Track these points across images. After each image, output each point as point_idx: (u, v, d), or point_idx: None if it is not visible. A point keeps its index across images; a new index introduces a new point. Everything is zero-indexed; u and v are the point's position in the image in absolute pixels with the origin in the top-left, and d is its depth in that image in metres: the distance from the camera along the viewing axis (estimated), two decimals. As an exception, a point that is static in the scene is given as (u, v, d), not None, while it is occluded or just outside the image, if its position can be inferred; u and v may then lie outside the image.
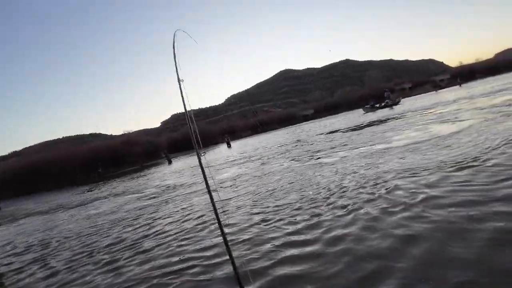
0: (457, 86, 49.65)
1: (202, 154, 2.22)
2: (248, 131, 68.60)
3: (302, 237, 3.47)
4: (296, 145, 16.08)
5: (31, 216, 12.46)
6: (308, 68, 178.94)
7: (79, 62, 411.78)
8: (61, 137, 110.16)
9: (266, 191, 6.29)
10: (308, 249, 3.15)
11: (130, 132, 58.42)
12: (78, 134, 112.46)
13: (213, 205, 1.12)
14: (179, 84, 1.64)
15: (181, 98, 2.06)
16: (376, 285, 2.30)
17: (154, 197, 9.48)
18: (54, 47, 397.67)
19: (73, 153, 32.27)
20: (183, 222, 5.47)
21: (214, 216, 1.70)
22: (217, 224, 1.71)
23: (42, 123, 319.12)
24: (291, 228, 3.81)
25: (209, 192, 1.32)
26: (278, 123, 73.46)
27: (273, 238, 3.63)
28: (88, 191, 18.18)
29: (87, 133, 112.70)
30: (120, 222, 6.84)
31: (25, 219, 11.98)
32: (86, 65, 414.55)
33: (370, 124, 17.27)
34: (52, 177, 26.94)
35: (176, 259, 3.73)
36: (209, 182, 1.98)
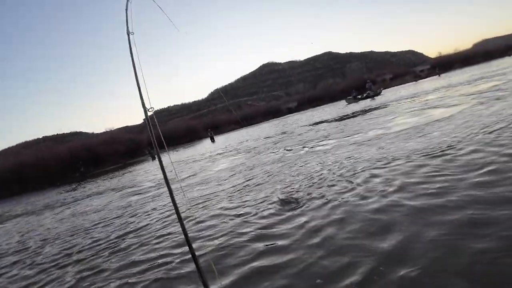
0: (436, 76, 50.83)
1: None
2: (232, 125, 68.36)
3: (275, 231, 3.48)
4: (282, 137, 16.11)
5: (14, 218, 12.12)
6: (291, 61, 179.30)
7: (57, 58, 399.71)
8: (40, 137, 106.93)
9: (244, 184, 6.28)
10: (281, 242, 3.15)
11: (112, 129, 57.41)
12: (58, 133, 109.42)
13: (173, 201, 1.09)
14: (128, 39, 1.37)
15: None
16: (350, 275, 2.31)
17: (137, 194, 9.35)
18: (29, 39, 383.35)
19: (53, 153, 31.42)
20: (159, 219, 5.40)
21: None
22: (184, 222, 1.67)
23: (20, 123, 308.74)
24: (264, 222, 3.81)
25: (169, 189, 1.29)
26: (263, 117, 73.55)
27: (244, 233, 3.62)
28: (70, 191, 17.78)
29: (67, 131, 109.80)
30: (102, 221, 6.71)
31: (8, 221, 11.64)
32: (64, 60, 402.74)
33: (355, 115, 17.49)
34: (33, 178, 26.20)
35: (153, 255, 3.70)
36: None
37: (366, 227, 2.98)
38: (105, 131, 54.49)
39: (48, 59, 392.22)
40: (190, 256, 3.17)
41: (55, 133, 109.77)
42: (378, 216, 3.16)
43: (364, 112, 17.85)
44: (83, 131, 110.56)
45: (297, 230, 3.33)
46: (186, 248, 3.53)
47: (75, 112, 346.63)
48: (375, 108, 17.98)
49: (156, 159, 21.72)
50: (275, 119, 62.20)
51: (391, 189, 3.79)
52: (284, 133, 18.82)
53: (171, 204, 6.18)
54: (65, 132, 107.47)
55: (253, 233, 3.56)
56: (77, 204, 11.06)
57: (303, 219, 3.59)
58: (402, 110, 12.84)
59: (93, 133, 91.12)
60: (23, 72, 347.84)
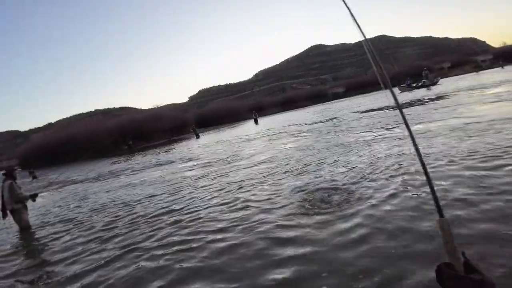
0: (499, 68, 45.86)
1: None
2: (276, 108, 67.58)
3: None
4: (333, 125, 15.29)
5: (68, 185, 12.70)
6: (340, 44, 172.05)
7: (110, 36, 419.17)
8: (92, 110, 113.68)
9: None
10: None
11: (159, 106, 59.15)
12: (108, 107, 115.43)
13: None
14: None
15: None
16: None
17: (189, 170, 9.17)
18: (86, 18, 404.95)
19: (104, 126, 32.94)
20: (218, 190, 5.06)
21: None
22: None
23: (73, 96, 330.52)
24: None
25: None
26: (307, 101, 71.84)
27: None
28: (120, 163, 18.41)
29: (117, 106, 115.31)
30: (159, 192, 6.55)
31: (63, 187, 12.20)
32: (116, 38, 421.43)
33: (413, 104, 16.11)
34: (85, 149, 27.72)
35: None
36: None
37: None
38: (152, 107, 56.30)
39: (104, 34, 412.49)
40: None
41: (106, 107, 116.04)
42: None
43: (423, 102, 16.37)
44: (131, 106, 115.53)
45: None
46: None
47: (125, 88, 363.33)
48: (436, 99, 16.41)
49: (201, 137, 22.07)
50: (320, 104, 60.30)
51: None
52: (333, 119, 17.89)
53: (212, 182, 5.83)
54: (115, 106, 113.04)
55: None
56: (124, 175, 11.25)
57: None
58: (469, 103, 11.45)
59: (140, 108, 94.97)
60: (79, 47, 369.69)
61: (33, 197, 6.28)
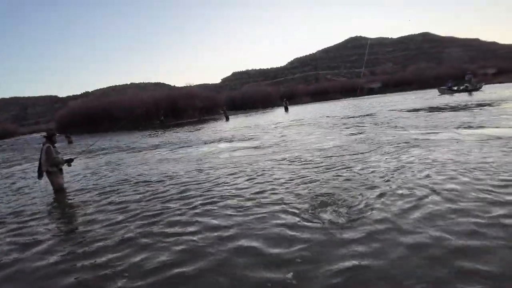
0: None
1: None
2: (308, 97, 66.52)
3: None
4: (372, 122, 14.80)
5: (103, 153, 13.16)
6: (380, 37, 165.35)
7: (147, 11, 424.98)
8: (128, 83, 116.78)
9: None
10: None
11: (192, 85, 59.80)
12: (143, 81, 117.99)
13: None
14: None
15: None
16: None
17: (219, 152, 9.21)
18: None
19: (138, 99, 33.74)
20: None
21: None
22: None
23: (110, 67, 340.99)
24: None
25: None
26: (340, 93, 70.14)
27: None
28: (151, 136, 18.87)
29: (152, 81, 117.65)
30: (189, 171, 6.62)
31: (98, 155, 12.66)
32: (152, 14, 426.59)
33: (455, 108, 15.26)
34: (118, 119, 28.57)
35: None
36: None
37: None
38: (185, 85, 56.95)
39: (142, 9, 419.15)
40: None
41: (141, 81, 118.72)
42: None
43: (468, 107, 15.46)
44: (166, 82, 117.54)
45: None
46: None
47: (159, 64, 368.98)
48: (482, 105, 15.42)
49: (231, 119, 22.16)
50: (353, 98, 58.68)
51: None
52: (369, 115, 17.31)
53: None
54: (150, 81, 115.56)
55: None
56: (156, 151, 11.48)
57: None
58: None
59: (174, 85, 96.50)
60: (117, 21, 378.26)
61: (69, 161, 6.50)
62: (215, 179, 5.92)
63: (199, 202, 4.59)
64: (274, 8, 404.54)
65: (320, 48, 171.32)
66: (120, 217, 4.31)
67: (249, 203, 4.28)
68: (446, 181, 4.31)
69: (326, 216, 3.53)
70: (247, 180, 5.58)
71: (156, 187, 5.79)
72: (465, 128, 8.78)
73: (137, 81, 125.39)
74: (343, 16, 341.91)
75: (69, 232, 4.03)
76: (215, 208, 4.26)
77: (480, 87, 33.47)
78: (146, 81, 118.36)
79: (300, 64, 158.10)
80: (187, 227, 3.69)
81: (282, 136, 11.92)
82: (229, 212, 4.05)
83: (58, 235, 3.95)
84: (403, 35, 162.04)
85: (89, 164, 10.12)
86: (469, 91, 31.47)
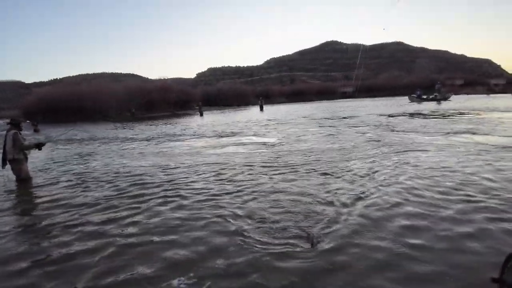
0: (510, 95, 45.17)
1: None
2: (283, 97, 67.07)
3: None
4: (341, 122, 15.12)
5: (70, 143, 12.57)
6: (356, 44, 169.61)
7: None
8: (100, 72, 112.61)
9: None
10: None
11: (166, 78, 58.60)
12: (115, 72, 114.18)
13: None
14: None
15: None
16: None
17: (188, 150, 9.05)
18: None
19: (109, 90, 32.51)
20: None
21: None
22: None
23: (81, 56, 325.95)
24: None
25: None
26: (315, 95, 71.26)
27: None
28: (123, 128, 18.27)
29: (124, 72, 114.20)
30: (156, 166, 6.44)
31: (65, 145, 12.08)
32: (131, 5, 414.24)
33: (428, 116, 15.94)
34: (89, 109, 27.43)
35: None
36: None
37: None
38: (159, 78, 55.68)
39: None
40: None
41: (114, 71, 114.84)
42: None
43: (442, 116, 16.21)
44: (139, 74, 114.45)
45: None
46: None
47: (133, 55, 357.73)
48: (451, 114, 16.24)
49: (205, 115, 21.97)
50: (327, 100, 59.88)
51: None
52: (345, 118, 17.69)
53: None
54: (123, 72, 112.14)
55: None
56: (127, 142, 11.12)
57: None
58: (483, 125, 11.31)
59: (147, 78, 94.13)
60: (90, 6, 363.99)
61: (39, 146, 6.17)
62: (181, 177, 5.81)
63: (157, 201, 4.41)
64: (253, 7, 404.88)
65: (296, 50, 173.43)
66: (83, 211, 4.12)
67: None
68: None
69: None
70: (218, 180, 5.51)
71: (127, 182, 5.52)
72: (446, 133, 9.18)
73: (109, 71, 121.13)
74: (320, 20, 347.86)
75: (30, 226, 3.79)
76: (166, 207, 4.17)
77: (449, 97, 35.28)
78: (119, 72, 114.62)
79: (276, 65, 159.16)
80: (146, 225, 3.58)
81: (259, 133, 11.94)
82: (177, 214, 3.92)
83: (18, 229, 3.71)
84: (377, 42, 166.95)
85: (59, 154, 9.63)
86: (437, 100, 33.04)
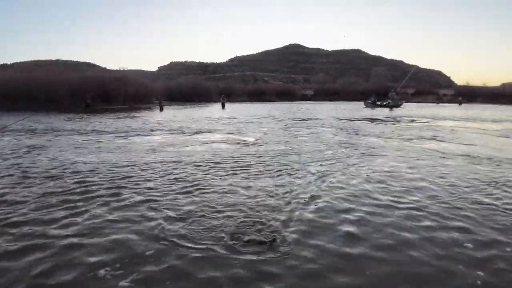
0: (457, 104, 49.74)
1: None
2: (245, 96, 67.45)
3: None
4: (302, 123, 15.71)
5: (15, 134, 11.90)
6: (317, 48, 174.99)
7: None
8: (54, 59, 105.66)
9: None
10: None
11: (125, 69, 56.50)
12: (71, 59, 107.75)
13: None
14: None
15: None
16: None
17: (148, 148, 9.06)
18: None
19: (64, 79, 30.80)
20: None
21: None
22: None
23: (35, 40, 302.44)
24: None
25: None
26: (276, 96, 72.45)
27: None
28: (79, 120, 17.53)
29: (82, 60, 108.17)
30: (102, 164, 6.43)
31: (16, 136, 11.43)
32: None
33: (382, 121, 17.10)
34: (41, 98, 25.83)
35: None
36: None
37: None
38: (118, 69, 53.45)
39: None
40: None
41: (69, 59, 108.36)
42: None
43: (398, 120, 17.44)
44: (97, 63, 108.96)
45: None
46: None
47: (92, 42, 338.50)
48: (405, 120, 17.57)
49: (165, 110, 21.64)
50: (288, 102, 61.31)
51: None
52: (311, 119, 18.40)
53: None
54: (79, 60, 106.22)
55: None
56: (79, 133, 10.82)
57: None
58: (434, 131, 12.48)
59: (106, 68, 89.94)
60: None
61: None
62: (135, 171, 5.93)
63: (96, 201, 4.25)
64: (219, 3, 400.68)
65: (261, 50, 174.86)
66: (18, 210, 3.93)
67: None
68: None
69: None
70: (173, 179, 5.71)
71: (72, 179, 5.28)
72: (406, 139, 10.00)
73: (65, 58, 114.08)
74: (285, 23, 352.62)
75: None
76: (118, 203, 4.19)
77: (401, 104, 37.86)
78: (75, 60, 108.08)
79: (240, 63, 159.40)
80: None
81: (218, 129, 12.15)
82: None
83: None
84: (337, 49, 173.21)
85: (7, 146, 9.10)
86: (390, 106, 35.30)
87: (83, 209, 3.94)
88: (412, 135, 11.42)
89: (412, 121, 17.90)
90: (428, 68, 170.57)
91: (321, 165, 6.40)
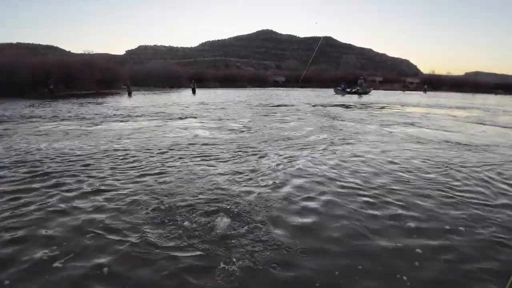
0: (422, 92, 52.28)
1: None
2: (216, 82, 66.81)
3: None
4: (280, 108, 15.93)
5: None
6: (290, 35, 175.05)
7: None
8: (13, 42, 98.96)
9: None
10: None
11: (91, 53, 54.22)
12: (32, 43, 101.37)
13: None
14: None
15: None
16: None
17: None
18: None
19: (25, 63, 29.07)
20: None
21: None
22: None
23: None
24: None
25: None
26: (248, 82, 72.31)
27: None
28: (39, 106, 16.78)
29: (43, 43, 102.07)
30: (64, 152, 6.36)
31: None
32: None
33: (351, 107, 17.67)
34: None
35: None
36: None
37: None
38: (83, 53, 51.15)
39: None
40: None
41: (30, 42, 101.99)
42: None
43: (365, 106, 18.09)
44: (60, 47, 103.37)
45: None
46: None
47: (55, 25, 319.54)
48: (370, 106, 18.26)
49: (133, 96, 21.09)
50: (260, 88, 61.37)
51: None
52: (285, 105, 18.65)
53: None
54: (41, 43, 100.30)
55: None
56: (44, 121, 10.45)
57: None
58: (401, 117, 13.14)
59: (70, 51, 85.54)
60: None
61: None
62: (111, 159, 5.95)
63: (41, 193, 4.02)
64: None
65: (232, 36, 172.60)
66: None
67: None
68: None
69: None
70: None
71: (23, 169, 5.11)
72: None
73: (25, 42, 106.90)
74: (258, 8, 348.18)
75: None
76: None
77: (369, 92, 39.24)
78: (37, 43, 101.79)
79: (211, 48, 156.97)
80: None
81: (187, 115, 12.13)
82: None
83: None
84: (309, 36, 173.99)
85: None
86: (359, 93, 36.47)
87: (30, 200, 3.77)
88: (386, 120, 12.08)
89: (383, 107, 18.79)
90: (396, 57, 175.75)
91: (287, 149, 6.63)
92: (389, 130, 9.61)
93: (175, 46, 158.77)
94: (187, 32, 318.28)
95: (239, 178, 4.62)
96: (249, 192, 4.01)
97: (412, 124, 11.31)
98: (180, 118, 12.11)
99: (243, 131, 9.01)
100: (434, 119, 13.27)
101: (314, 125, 10.43)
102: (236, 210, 3.47)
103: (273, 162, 5.54)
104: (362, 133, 8.85)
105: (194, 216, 3.33)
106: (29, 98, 22.06)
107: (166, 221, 3.23)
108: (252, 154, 6.12)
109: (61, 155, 5.93)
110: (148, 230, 3.03)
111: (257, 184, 4.35)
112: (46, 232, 3.03)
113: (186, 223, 3.17)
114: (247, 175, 4.75)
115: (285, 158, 5.86)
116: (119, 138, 7.75)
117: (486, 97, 45.40)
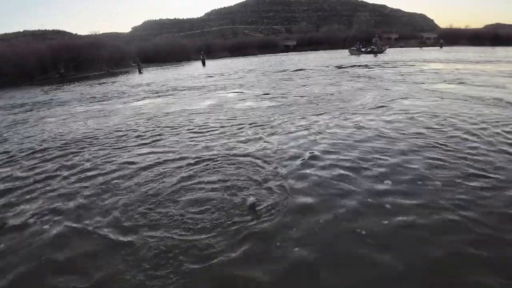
0: (438, 47, 49.07)
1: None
2: (225, 52, 65.21)
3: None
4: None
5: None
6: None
7: None
8: (21, 30, 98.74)
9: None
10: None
11: (97, 33, 53.57)
12: (39, 29, 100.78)
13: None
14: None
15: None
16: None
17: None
18: None
19: (33, 49, 28.80)
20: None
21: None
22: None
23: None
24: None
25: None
26: (258, 49, 70.26)
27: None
28: (51, 92, 16.63)
29: (50, 29, 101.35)
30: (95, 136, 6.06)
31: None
32: None
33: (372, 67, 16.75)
34: (9, 73, 24.17)
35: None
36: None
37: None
38: (89, 34, 50.54)
39: None
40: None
41: (37, 29, 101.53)
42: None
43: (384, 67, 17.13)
44: (67, 30, 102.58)
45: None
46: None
47: (60, 9, 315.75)
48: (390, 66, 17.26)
49: (143, 72, 20.79)
50: (271, 54, 59.59)
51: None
52: (300, 69, 17.88)
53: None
54: (48, 29, 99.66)
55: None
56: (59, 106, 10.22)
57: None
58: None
59: (76, 34, 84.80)
60: None
61: None
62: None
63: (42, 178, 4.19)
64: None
65: (238, 1, 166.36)
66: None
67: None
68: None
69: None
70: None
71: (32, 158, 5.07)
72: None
73: (32, 29, 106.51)
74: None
75: None
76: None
77: (385, 50, 37.29)
78: (43, 29, 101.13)
79: (217, 17, 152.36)
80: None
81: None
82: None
83: None
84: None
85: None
86: (374, 52, 34.77)
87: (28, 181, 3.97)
88: (420, 79, 11.29)
89: (405, 65, 17.68)
90: (412, 12, 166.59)
91: (316, 114, 6.21)
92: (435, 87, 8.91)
93: (181, 18, 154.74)
94: (192, 1, 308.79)
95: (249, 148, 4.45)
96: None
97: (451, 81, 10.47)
98: (197, 89, 11.64)
99: (269, 99, 8.52)
100: (487, 76, 12.10)
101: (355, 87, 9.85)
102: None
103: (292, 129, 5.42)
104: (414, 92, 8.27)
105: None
106: (39, 84, 21.97)
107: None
108: (267, 124, 5.82)
109: (73, 138, 5.76)
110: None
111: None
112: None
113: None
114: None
115: (310, 123, 5.55)
116: (140, 115, 7.46)
117: (507, 49, 42.30)
